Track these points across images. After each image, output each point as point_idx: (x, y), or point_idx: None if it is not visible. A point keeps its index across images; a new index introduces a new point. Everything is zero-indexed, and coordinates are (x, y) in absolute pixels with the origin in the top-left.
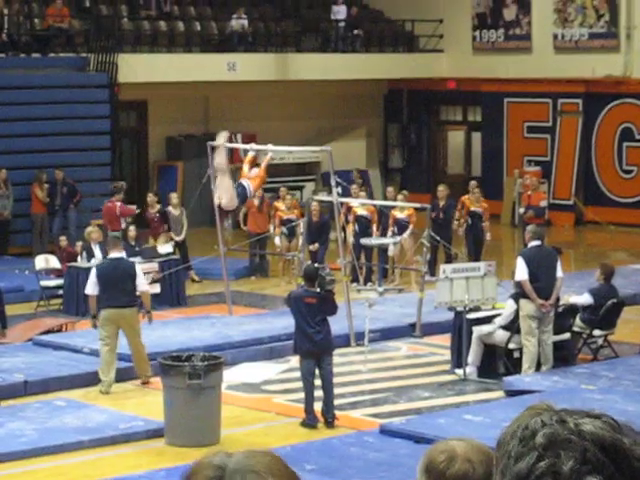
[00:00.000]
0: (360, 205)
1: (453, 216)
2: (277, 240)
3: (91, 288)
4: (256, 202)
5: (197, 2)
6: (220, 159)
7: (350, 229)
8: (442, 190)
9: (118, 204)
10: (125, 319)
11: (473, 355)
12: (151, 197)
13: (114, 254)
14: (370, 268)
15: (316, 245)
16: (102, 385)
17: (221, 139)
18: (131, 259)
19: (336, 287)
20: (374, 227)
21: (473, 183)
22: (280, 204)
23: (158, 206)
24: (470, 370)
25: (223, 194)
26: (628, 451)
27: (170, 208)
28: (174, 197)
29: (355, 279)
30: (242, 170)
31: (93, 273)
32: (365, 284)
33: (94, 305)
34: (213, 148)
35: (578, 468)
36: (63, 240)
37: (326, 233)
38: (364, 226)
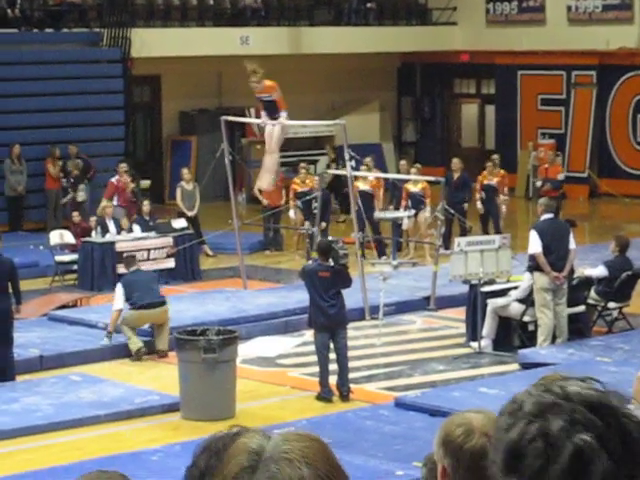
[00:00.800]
0: (362, 180)
1: (469, 188)
2: (292, 213)
3: (120, 302)
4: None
5: None
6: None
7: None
8: (456, 163)
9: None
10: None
11: (488, 328)
12: (125, 177)
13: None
14: (380, 241)
15: (323, 224)
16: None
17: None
18: (145, 234)
19: (350, 261)
20: (376, 202)
21: (493, 157)
22: (296, 179)
23: (132, 185)
24: (485, 343)
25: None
26: (616, 409)
27: (182, 183)
28: (186, 172)
29: (378, 255)
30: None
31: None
32: (379, 257)
33: (116, 321)
34: (227, 122)
35: (568, 428)
36: (76, 215)
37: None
38: (367, 201)
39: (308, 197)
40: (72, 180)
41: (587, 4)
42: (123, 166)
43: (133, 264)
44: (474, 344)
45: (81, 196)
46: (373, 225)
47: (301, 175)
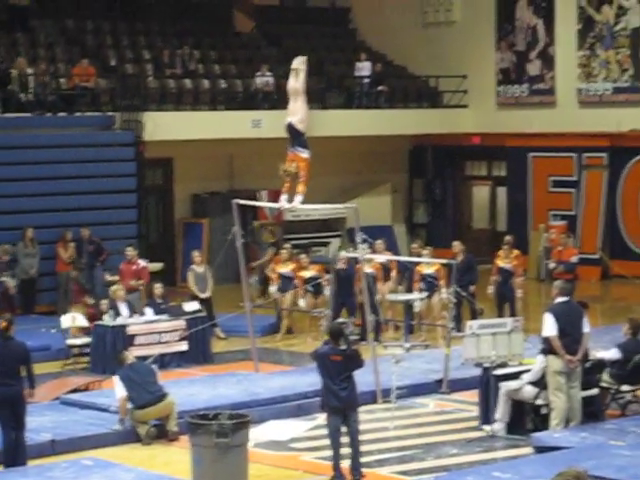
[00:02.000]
0: (366, 262)
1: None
2: (302, 302)
3: (121, 390)
4: (283, 258)
5: (222, 60)
6: (295, 83)
7: (358, 286)
8: (456, 246)
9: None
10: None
11: (501, 411)
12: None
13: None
14: (378, 323)
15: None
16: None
17: (299, 63)
18: (158, 316)
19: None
20: (379, 285)
21: (507, 239)
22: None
23: (74, 273)
24: (498, 427)
25: (297, 113)
26: None
27: (194, 266)
28: (196, 255)
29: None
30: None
31: (116, 379)
32: (375, 340)
33: (124, 406)
34: (238, 205)
35: None
36: (88, 299)
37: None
38: (369, 284)
39: (318, 281)
40: (83, 262)
41: (597, 87)
42: (129, 250)
43: (125, 361)
44: (487, 427)
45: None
46: (373, 308)
47: (284, 257)
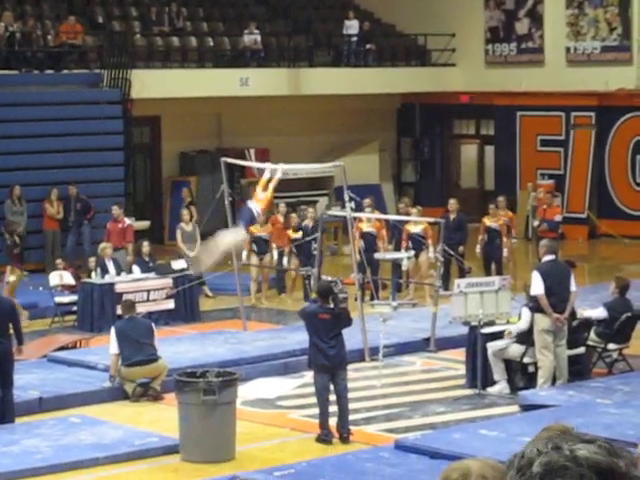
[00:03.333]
0: (366, 221)
1: (465, 230)
2: (276, 255)
3: (115, 346)
4: (281, 219)
5: (209, 18)
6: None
7: (357, 245)
8: (453, 204)
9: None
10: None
11: (497, 371)
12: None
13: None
14: (376, 282)
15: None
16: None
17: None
18: (145, 274)
19: (349, 302)
20: (379, 243)
21: (499, 199)
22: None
23: (12, 236)
24: (501, 386)
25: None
26: (624, 474)
27: (182, 224)
28: (185, 213)
29: (371, 297)
30: (255, 192)
31: (112, 332)
32: (372, 299)
33: (116, 364)
34: (226, 163)
35: None
36: (60, 263)
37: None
38: (370, 242)
39: (307, 239)
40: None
41: (586, 45)
42: (115, 208)
43: (130, 311)
44: (492, 390)
45: None
46: (373, 266)
47: (280, 218)
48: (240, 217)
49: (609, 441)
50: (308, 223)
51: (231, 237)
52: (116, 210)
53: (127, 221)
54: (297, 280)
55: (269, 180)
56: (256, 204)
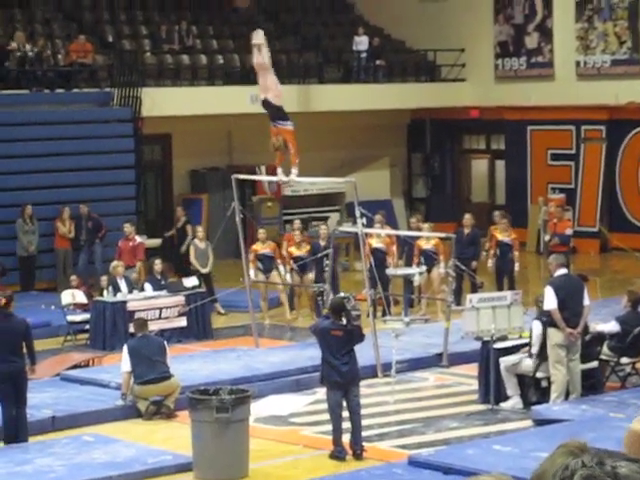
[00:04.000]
0: (375, 237)
1: (479, 245)
2: (283, 270)
3: (127, 364)
4: (297, 238)
5: (219, 35)
6: (259, 59)
7: (367, 261)
8: (468, 219)
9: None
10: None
11: (510, 386)
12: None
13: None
14: (388, 298)
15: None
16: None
17: (259, 37)
18: (157, 292)
19: (362, 318)
20: (389, 259)
21: (498, 213)
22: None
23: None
24: (515, 401)
25: (269, 89)
26: None
27: (196, 241)
28: (200, 230)
29: (383, 312)
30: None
31: (125, 351)
32: (384, 315)
33: (128, 383)
34: (237, 180)
35: None
36: (74, 280)
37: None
38: (380, 259)
39: (319, 255)
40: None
41: (596, 59)
42: (127, 226)
43: (142, 329)
44: (505, 405)
45: None
46: (384, 282)
47: (297, 235)
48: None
49: None
50: (321, 241)
51: None
52: (128, 228)
53: (138, 239)
54: (303, 297)
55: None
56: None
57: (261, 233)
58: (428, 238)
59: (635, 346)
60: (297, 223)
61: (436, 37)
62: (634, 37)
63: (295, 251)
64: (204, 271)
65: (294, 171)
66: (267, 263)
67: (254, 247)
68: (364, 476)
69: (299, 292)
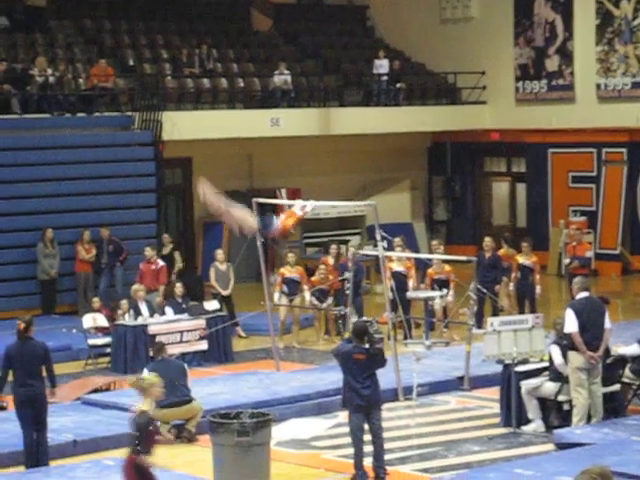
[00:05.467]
0: (396, 260)
1: (499, 268)
2: (308, 296)
3: None
4: (331, 261)
5: (240, 59)
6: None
7: (387, 284)
8: (488, 242)
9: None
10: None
11: (531, 409)
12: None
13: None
14: (409, 321)
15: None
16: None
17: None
18: (178, 316)
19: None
20: (410, 283)
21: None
22: (329, 261)
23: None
24: (537, 424)
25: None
26: None
27: (217, 264)
28: (219, 253)
29: (404, 336)
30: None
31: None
32: (405, 339)
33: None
34: (258, 204)
35: None
36: (96, 302)
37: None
38: (400, 282)
39: (341, 278)
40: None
41: (616, 82)
42: (148, 250)
43: (161, 352)
44: (527, 428)
45: None
46: (404, 305)
47: (331, 260)
48: (262, 219)
49: None
50: (349, 263)
51: (247, 215)
52: (149, 251)
53: (160, 262)
54: (324, 320)
55: (297, 215)
56: (280, 219)
57: (290, 257)
58: (439, 267)
59: None
60: (334, 248)
61: (456, 60)
62: None
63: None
64: (224, 293)
65: (312, 201)
66: (292, 287)
67: (282, 270)
68: None
69: (318, 316)
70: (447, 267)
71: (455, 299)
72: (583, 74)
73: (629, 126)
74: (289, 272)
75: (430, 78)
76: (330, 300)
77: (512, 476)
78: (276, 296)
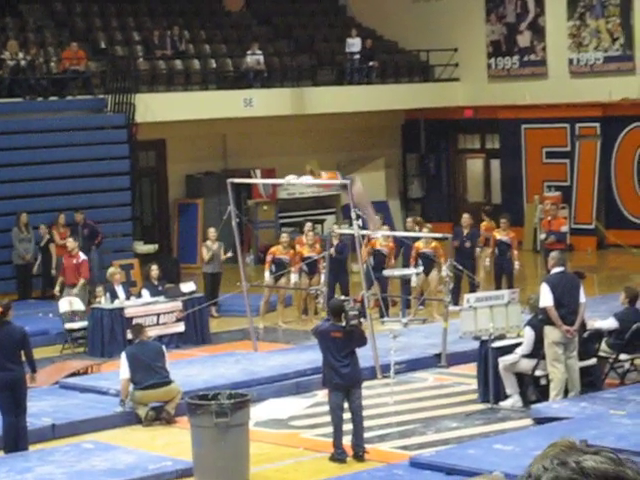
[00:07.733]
0: (382, 239)
1: (476, 245)
2: (295, 277)
3: (125, 371)
4: (310, 240)
5: (212, 40)
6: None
7: (362, 263)
8: (466, 219)
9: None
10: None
11: (509, 385)
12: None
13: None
14: (386, 299)
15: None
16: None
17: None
18: (154, 298)
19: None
20: (387, 262)
21: (503, 222)
22: (303, 240)
23: None
24: (514, 400)
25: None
26: None
27: (208, 242)
28: (211, 232)
29: (381, 314)
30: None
31: (123, 357)
32: (381, 317)
33: (126, 389)
34: (233, 184)
35: None
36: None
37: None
38: (380, 261)
39: (316, 257)
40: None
41: (588, 56)
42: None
43: (140, 335)
44: (504, 404)
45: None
46: (381, 284)
47: (309, 238)
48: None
49: (614, 451)
50: (334, 240)
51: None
52: (70, 243)
53: (82, 256)
54: (310, 299)
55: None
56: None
57: (284, 237)
58: (427, 241)
59: (633, 342)
60: (308, 225)
61: (428, 37)
62: (626, 33)
63: (307, 252)
64: (215, 271)
65: (289, 179)
66: (281, 268)
67: (273, 249)
68: (365, 478)
69: (305, 295)
70: (434, 242)
71: (445, 273)
72: (555, 49)
73: (602, 101)
74: (280, 253)
75: (402, 56)
76: (322, 278)
77: (491, 451)
78: (266, 274)
